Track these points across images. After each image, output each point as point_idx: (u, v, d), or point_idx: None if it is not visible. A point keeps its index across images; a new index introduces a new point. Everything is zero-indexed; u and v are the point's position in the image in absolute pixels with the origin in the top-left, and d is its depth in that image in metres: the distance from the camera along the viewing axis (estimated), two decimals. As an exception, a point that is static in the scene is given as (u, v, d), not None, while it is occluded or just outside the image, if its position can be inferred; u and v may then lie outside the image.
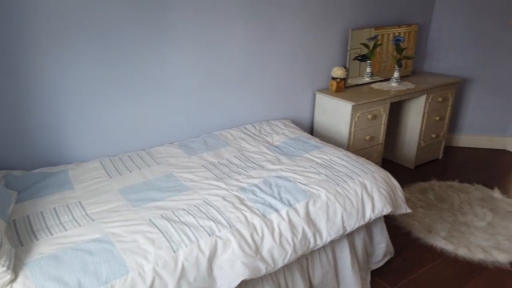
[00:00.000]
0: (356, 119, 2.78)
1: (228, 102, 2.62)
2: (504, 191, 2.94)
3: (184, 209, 1.65)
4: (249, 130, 2.57)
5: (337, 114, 2.84)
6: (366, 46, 3.10)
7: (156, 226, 1.53)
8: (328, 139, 2.95)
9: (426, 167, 3.40)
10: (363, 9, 3.06)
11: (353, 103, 2.70)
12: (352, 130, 2.79)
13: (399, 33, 3.24)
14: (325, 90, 3.00)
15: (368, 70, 3.21)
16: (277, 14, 2.63)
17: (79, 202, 1.73)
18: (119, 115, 2.23)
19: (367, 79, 3.21)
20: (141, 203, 1.71)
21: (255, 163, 2.12)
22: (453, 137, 3.83)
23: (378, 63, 3.24)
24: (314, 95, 3.03)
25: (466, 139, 3.81)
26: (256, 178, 1.93)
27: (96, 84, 2.11)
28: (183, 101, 2.43)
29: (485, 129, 3.76)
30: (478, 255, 2.24)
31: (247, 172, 2.02)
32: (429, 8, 3.51)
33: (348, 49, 2.99)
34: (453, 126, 3.80)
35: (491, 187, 2.98)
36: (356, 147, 2.87)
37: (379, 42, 3.14)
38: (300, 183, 1.89)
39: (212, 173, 2.01)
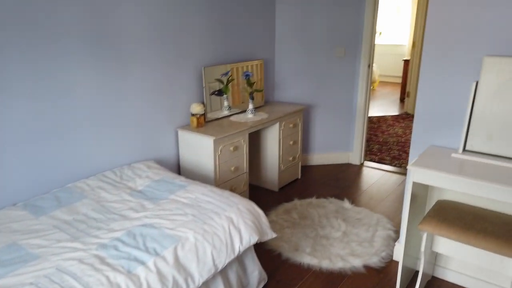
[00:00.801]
0: (219, 152, 2.86)
1: (82, 149, 2.42)
2: (352, 201, 3.38)
3: (31, 283, 1.43)
4: (108, 177, 2.41)
5: (200, 149, 2.89)
6: (221, 81, 3.26)
7: (-6, 313, 1.28)
8: (196, 175, 2.96)
9: (289, 188, 3.69)
10: (213, 48, 3.22)
11: (214, 137, 2.78)
12: (217, 163, 2.86)
13: (249, 68, 3.50)
14: (187, 127, 3.02)
15: (226, 104, 3.36)
16: (128, 55, 2.57)
17: None
18: None
19: (226, 113, 3.36)
20: (-27, 287, 1.42)
21: (116, 213, 1.98)
22: (307, 157, 4.26)
23: (236, 96, 3.43)
24: (177, 133, 3.03)
25: (318, 157, 4.29)
26: (118, 231, 1.80)
27: None
28: (23, 154, 2.15)
29: (332, 146, 4.29)
30: (338, 264, 2.50)
31: (108, 225, 1.87)
32: (272, 45, 3.90)
33: (204, 85, 3.09)
34: (306, 147, 4.23)
35: (342, 199, 3.40)
36: (223, 179, 2.94)
37: (231, 77, 3.34)
38: (167, 228, 1.83)
39: (66, 233, 1.80)
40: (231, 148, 2.95)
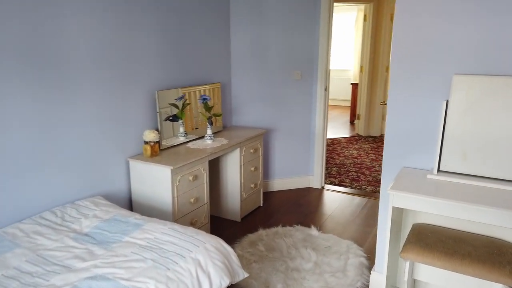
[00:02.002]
0: (177, 183, 2.59)
1: (13, 187, 2.04)
2: (319, 228, 3.23)
3: None
4: (47, 220, 2.04)
5: (156, 180, 2.60)
6: (175, 106, 3.02)
7: None
8: (151, 210, 2.65)
9: (251, 217, 3.46)
10: (167, 71, 2.99)
11: (172, 167, 2.51)
12: (175, 195, 2.58)
13: (205, 92, 3.31)
14: (139, 156, 2.73)
15: (182, 129, 3.12)
16: (72, 79, 2.26)
17: None
18: None
19: (182, 139, 3.10)
20: None
21: (58, 264, 1.64)
22: (268, 183, 4.08)
23: (190, 122, 3.20)
24: (128, 163, 2.72)
25: (278, 183, 4.13)
26: (62, 287, 1.47)
27: None
28: None
29: (292, 171, 4.16)
30: (313, 300, 2.30)
31: (48, 280, 1.53)
32: (227, 68, 3.75)
33: (158, 110, 2.84)
34: (266, 173, 4.06)
35: (308, 226, 3.23)
36: (182, 212, 2.66)
37: (187, 102, 3.12)
38: (122, 278, 1.54)
39: (-8, 295, 1.44)
40: (190, 178, 2.69)
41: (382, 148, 5.83)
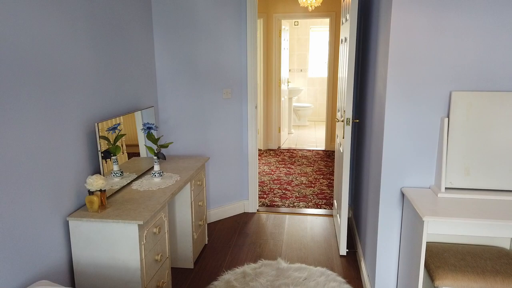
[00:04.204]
0: (144, 241, 2.01)
1: None
2: (285, 258, 2.98)
3: None
4: None
5: (114, 242, 1.96)
6: (107, 139, 2.38)
7: None
8: (107, 283, 1.98)
9: (204, 260, 2.99)
10: (104, 95, 2.33)
11: (140, 222, 1.92)
12: (143, 256, 1.99)
13: (142, 118, 2.73)
14: (83, 212, 2.02)
15: (116, 168, 2.47)
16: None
17: None
18: None
19: (117, 180, 2.46)
20: None
21: None
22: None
23: (121, 156, 2.56)
24: (67, 224, 1.98)
25: (214, 213, 3.72)
26: None
27: None
28: None
29: (227, 198, 3.81)
30: None
31: None
32: (154, 90, 3.20)
33: (99, 148, 2.18)
34: (202, 204, 3.61)
35: (273, 258, 2.96)
36: (149, 275, 2.07)
37: (121, 132, 2.50)
38: None
39: None
40: (155, 230, 2.13)
41: (288, 161, 5.94)
